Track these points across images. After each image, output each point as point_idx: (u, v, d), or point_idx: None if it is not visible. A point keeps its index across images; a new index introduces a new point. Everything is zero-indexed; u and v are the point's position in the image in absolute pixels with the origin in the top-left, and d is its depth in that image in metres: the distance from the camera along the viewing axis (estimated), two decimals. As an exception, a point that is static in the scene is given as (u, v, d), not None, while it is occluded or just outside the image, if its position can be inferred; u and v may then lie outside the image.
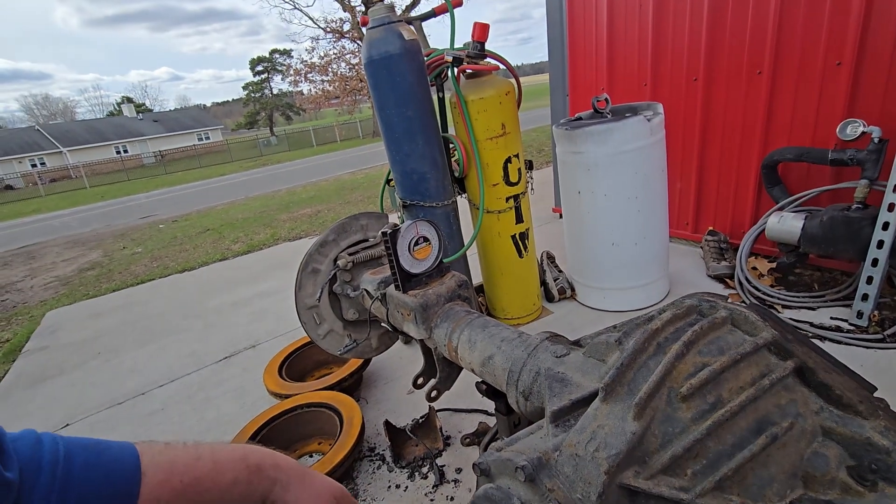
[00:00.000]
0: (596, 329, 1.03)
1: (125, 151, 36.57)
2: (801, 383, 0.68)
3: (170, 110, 56.07)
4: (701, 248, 2.86)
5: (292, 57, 40.16)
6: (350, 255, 1.70)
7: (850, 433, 0.60)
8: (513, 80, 2.23)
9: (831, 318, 2.11)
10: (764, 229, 2.37)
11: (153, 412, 2.37)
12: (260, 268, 4.50)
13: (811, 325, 2.07)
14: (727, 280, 2.55)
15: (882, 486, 0.55)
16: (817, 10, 2.19)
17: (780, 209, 2.37)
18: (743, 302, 2.36)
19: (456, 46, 2.10)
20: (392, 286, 1.39)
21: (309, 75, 24.32)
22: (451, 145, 2.27)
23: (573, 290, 2.72)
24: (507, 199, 2.30)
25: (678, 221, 3.11)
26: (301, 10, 26.77)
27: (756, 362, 0.69)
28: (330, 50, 23.73)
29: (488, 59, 2.08)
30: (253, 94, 51.19)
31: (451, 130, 2.31)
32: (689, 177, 2.96)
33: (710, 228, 2.82)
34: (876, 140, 1.98)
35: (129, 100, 59.12)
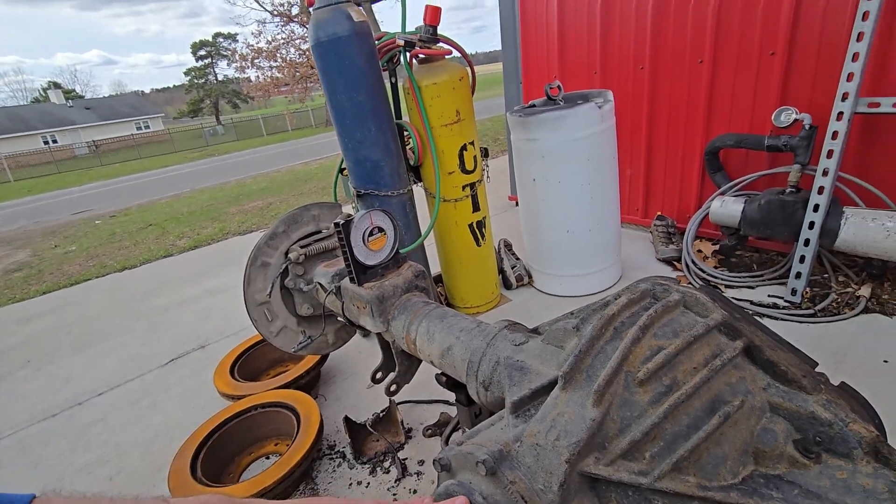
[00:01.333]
0: (554, 315, 1.03)
1: (54, 142, 33.78)
2: (749, 361, 0.70)
3: (104, 97, 52.17)
4: (650, 232, 2.96)
5: (238, 41, 38.25)
6: (302, 247, 1.63)
7: (795, 408, 0.62)
8: (466, 66, 2.20)
9: (769, 295, 2.24)
10: (708, 213, 2.48)
11: (92, 422, 2.21)
12: (208, 264, 4.29)
13: (751, 303, 2.20)
14: (675, 263, 2.66)
15: (826, 457, 0.57)
16: (753, 1, 2.29)
17: (722, 194, 2.48)
18: (691, 284, 2.46)
19: (408, 30, 2.05)
20: (346, 279, 1.34)
21: (256, 61, 23.25)
22: (405, 132, 2.22)
23: (531, 277, 2.75)
24: (464, 188, 2.28)
25: (629, 207, 3.20)
26: (245, -8, 25.44)
27: (708, 343, 0.71)
28: (278, 34, 22.75)
29: (441, 44, 2.03)
30: (196, 81, 48.47)
31: (406, 118, 2.26)
32: (638, 163, 3.05)
33: (659, 213, 2.92)
34: (807, 126, 2.11)
35: (57, 85, 54.53)
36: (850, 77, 1.89)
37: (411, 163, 2.28)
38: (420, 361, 1.34)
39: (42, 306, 3.87)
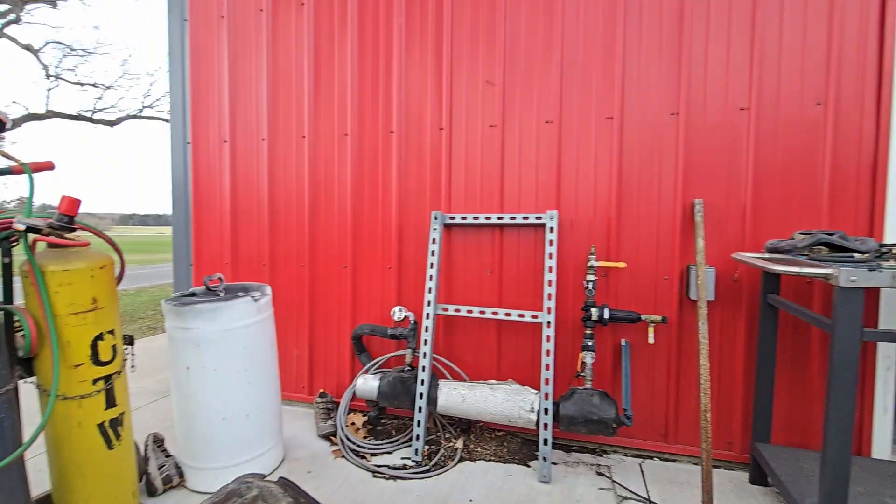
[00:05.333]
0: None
1: None
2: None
3: None
4: (314, 409, 3.20)
5: None
6: None
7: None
8: (113, 254, 2.14)
9: (402, 458, 2.70)
10: (355, 390, 2.92)
11: None
12: None
13: (389, 467, 2.59)
14: (332, 438, 2.91)
15: None
16: (375, 231, 3.19)
17: (366, 371, 3.01)
18: (344, 456, 2.72)
19: (39, 214, 1.91)
20: None
21: None
22: (14, 319, 1.89)
23: (182, 475, 2.47)
24: (96, 381, 2.02)
25: (296, 385, 3.41)
26: None
27: (269, 528, 0.89)
28: None
29: (79, 233, 1.96)
30: None
31: (21, 302, 1.94)
32: (302, 345, 3.39)
33: (321, 391, 3.23)
34: (412, 321, 2.91)
35: None
36: (429, 290, 2.79)
37: (20, 354, 1.90)
38: None
39: None
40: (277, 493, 0.95)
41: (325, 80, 3.25)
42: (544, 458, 2.46)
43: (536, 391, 2.63)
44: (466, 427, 2.89)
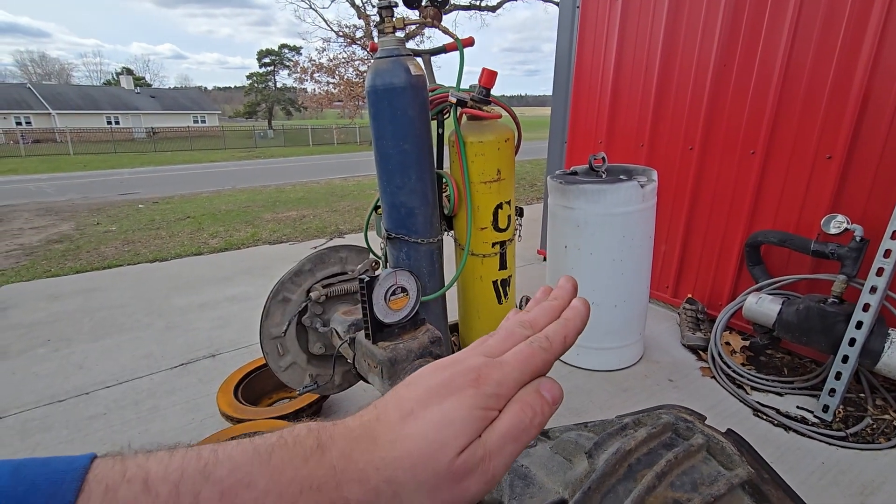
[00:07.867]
0: (565, 385, 0.98)
1: (116, 123, 35.86)
2: (771, 535, 0.65)
3: (169, 88, 55.25)
4: (678, 314, 2.87)
5: (301, 54, 40.17)
6: (324, 286, 1.64)
7: None
8: (513, 127, 2.22)
9: (797, 406, 2.11)
10: (741, 307, 2.38)
11: (94, 416, 2.23)
12: (234, 269, 4.37)
13: (777, 411, 2.07)
14: (700, 352, 2.55)
15: None
16: (815, 102, 2.25)
17: (759, 290, 2.39)
18: (714, 377, 2.35)
19: (462, 87, 2.09)
20: (362, 332, 1.33)
21: (315, 75, 24.25)
22: (444, 181, 2.25)
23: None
24: (494, 245, 2.27)
25: (659, 283, 3.12)
26: (316, 11, 26.83)
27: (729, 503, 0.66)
28: (340, 53, 23.74)
29: (493, 106, 2.06)
30: (256, 85, 51.02)
31: (447, 168, 2.29)
32: (674, 241, 2.99)
33: (689, 296, 2.83)
34: (858, 239, 2.02)
35: (129, 71, 58.18)
36: (909, 197, 1.81)
37: (445, 212, 2.29)
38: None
39: (73, 285, 4.01)
40: (731, 454, 0.67)
41: None
42: None
43: None
44: (921, 404, 1.98)
